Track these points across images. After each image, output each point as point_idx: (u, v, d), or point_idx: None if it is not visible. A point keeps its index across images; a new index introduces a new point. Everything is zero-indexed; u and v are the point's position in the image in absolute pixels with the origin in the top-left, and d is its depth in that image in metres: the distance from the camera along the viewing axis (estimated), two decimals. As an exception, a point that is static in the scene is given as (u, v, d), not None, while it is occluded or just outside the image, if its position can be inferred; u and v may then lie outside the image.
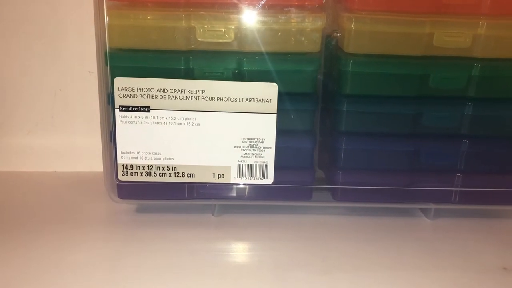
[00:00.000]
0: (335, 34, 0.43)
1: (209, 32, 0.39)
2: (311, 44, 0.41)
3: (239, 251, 0.41)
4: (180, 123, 0.41)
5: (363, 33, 0.40)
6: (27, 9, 0.51)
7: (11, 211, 0.46)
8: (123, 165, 0.42)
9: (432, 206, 0.45)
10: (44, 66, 0.53)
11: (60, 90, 0.54)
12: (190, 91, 0.40)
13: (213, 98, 0.40)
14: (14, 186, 0.51)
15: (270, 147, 0.42)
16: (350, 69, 0.41)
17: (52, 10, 0.52)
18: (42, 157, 0.55)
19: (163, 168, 0.42)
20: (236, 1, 0.39)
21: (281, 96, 0.41)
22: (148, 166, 0.42)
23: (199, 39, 0.40)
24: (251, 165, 0.42)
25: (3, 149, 0.55)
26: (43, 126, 0.55)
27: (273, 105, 0.41)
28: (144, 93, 0.40)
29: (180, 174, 0.42)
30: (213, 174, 0.42)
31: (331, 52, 0.44)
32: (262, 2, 0.39)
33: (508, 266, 0.39)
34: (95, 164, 0.51)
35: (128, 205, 0.46)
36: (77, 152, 0.55)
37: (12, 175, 0.54)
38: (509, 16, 0.40)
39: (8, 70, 0.53)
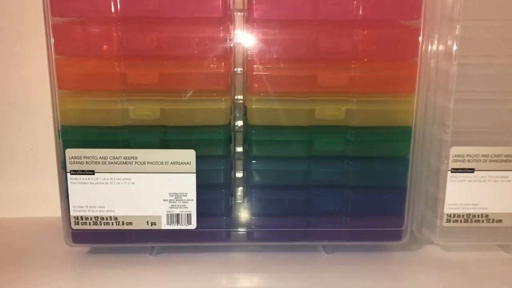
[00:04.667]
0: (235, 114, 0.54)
1: (139, 113, 0.50)
2: (221, 119, 0.51)
3: (170, 283, 0.50)
4: (119, 183, 0.51)
5: (262, 110, 0.50)
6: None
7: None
8: (75, 217, 0.52)
9: (327, 243, 0.55)
10: (17, 130, 0.64)
11: (32, 149, 0.65)
12: (125, 158, 0.51)
13: (144, 162, 0.51)
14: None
15: (192, 199, 0.52)
16: (253, 138, 0.52)
17: (22, 84, 0.62)
18: (17, 205, 0.66)
19: (107, 218, 0.52)
20: (159, 88, 0.50)
21: (199, 159, 0.51)
22: (94, 217, 0.52)
23: (132, 118, 0.50)
24: (177, 214, 0.53)
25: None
26: (18, 180, 0.66)
27: (193, 167, 0.51)
28: (89, 160, 0.51)
29: (121, 223, 0.53)
30: (147, 222, 0.53)
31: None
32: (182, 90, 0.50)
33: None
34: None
35: (83, 248, 0.57)
36: (47, 200, 0.65)
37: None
38: (373, 94, 0.51)
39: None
